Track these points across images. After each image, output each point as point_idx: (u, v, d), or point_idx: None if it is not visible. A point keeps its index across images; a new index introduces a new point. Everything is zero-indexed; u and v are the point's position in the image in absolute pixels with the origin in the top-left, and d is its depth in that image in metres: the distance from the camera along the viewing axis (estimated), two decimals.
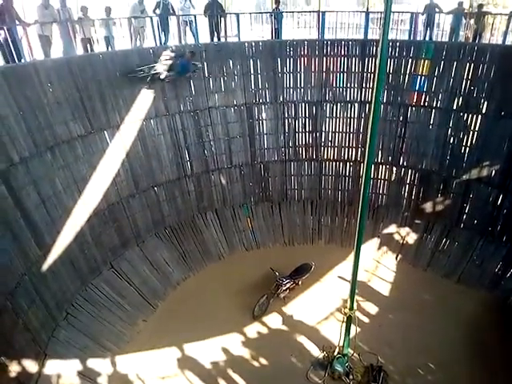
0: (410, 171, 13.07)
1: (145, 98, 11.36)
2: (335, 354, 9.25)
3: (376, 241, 13.18)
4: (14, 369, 7.56)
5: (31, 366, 8.07)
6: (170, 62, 11.08)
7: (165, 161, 12.34)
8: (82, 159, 10.29)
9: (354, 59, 12.75)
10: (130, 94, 11.11)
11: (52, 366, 8.49)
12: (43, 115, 9.23)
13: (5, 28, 9.28)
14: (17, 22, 9.74)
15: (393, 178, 13.35)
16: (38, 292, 8.73)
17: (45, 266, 9.05)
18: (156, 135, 11.97)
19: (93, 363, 9.17)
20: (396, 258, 12.73)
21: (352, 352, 9.27)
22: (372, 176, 12.86)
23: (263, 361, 9.67)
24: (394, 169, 13.25)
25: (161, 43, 12.18)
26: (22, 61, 9.56)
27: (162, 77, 10.98)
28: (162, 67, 10.96)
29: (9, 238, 8.09)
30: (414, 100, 12.51)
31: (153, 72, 10.93)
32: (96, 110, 10.50)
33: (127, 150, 11.34)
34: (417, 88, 12.48)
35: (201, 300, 11.23)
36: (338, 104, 13.31)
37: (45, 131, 9.26)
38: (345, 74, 12.97)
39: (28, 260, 8.58)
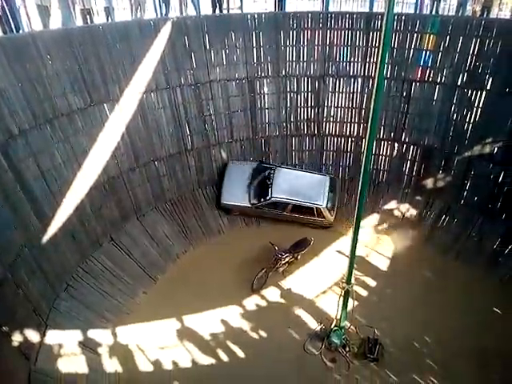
0: (411, 147, 12.97)
1: (145, 71, 11.23)
2: (332, 326, 9.40)
3: (376, 216, 13.18)
4: (16, 338, 7.73)
5: (33, 335, 8.26)
6: None
7: (165, 135, 12.28)
8: (82, 132, 10.24)
9: (358, 33, 12.44)
10: (129, 66, 10.96)
11: (53, 337, 8.70)
12: (42, 87, 9.13)
13: None
14: None
15: (394, 154, 13.26)
16: (38, 264, 8.85)
17: (45, 239, 9.14)
18: (156, 109, 11.86)
19: (94, 334, 9.39)
20: (395, 234, 12.77)
21: (349, 325, 9.42)
22: (373, 152, 12.77)
23: (262, 333, 9.86)
24: (396, 145, 13.14)
25: (162, 15, 11.96)
26: (21, 31, 9.43)
27: None
28: None
29: (8, 210, 8.14)
30: (418, 75, 12.29)
31: None
32: (95, 82, 10.37)
33: (127, 124, 11.26)
34: (421, 63, 12.25)
35: (200, 273, 11.36)
36: (341, 79, 13.09)
37: (44, 104, 9.19)
38: (349, 48, 12.70)
39: (28, 232, 8.67)
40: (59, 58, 9.47)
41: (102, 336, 9.49)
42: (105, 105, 10.68)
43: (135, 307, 10.47)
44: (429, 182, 12.89)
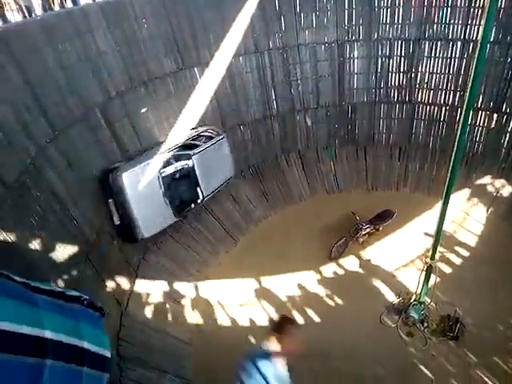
0: None
1: (234, 35, 11.30)
2: (411, 301, 9.21)
3: (467, 191, 12.43)
4: (109, 285, 8.46)
5: (124, 283, 8.96)
6: None
7: (251, 100, 12.40)
8: (173, 95, 10.66)
9: None
10: (220, 30, 11.09)
11: (142, 286, 9.37)
12: (138, 51, 9.58)
13: None
14: None
15: (492, 126, 12.28)
16: None
17: None
18: (244, 73, 11.97)
19: (178, 286, 10.00)
20: (487, 211, 11.97)
21: (429, 301, 9.16)
22: (469, 122, 11.94)
23: (338, 300, 9.90)
24: (495, 115, 12.13)
25: None
26: None
27: None
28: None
29: (106, 167, 8.80)
30: None
31: None
32: (187, 46, 10.67)
33: (215, 88, 11.50)
34: None
35: (280, 238, 11.58)
36: (439, 42, 12.20)
37: (139, 66, 9.66)
38: (448, 9, 11.77)
39: None
40: (154, 21, 9.83)
41: (185, 289, 10.11)
42: (195, 68, 10.99)
43: (217, 265, 11.00)
44: None
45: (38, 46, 7.17)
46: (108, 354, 4.57)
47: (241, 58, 11.76)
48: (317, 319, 9.47)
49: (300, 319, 9.49)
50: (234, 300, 10.04)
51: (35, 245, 6.39)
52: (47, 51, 7.36)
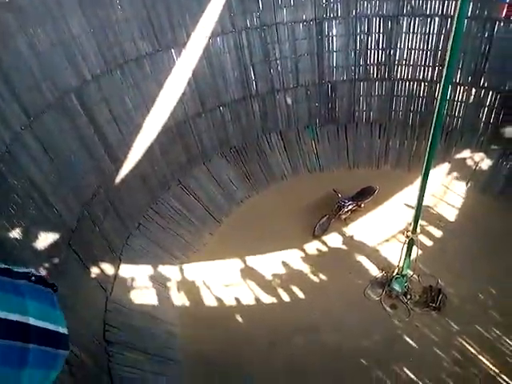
0: (490, 93, 11.98)
1: (211, 14, 11.11)
2: (394, 274, 9.38)
3: (446, 166, 12.59)
4: (93, 271, 8.44)
5: (108, 269, 8.96)
6: None
7: (230, 80, 12.25)
8: (150, 78, 10.46)
9: None
10: (196, 10, 10.89)
11: (126, 270, 9.39)
12: (112, 33, 9.33)
13: None
14: None
15: (471, 100, 12.38)
16: (112, 203, 9.45)
17: (118, 180, 9.69)
18: (222, 53, 11.79)
19: (163, 269, 10.03)
20: (466, 184, 12.17)
21: (411, 273, 9.35)
22: (448, 97, 12.04)
23: (322, 276, 10.04)
24: (473, 90, 12.22)
25: None
26: None
27: None
28: None
29: (85, 153, 8.68)
30: (504, 13, 11.19)
31: None
32: (163, 27, 10.44)
33: (193, 69, 11.33)
34: (507, 0, 11.10)
35: (263, 217, 11.63)
36: (417, 18, 12.18)
37: (114, 49, 9.42)
38: None
39: (102, 173, 9.21)
40: (128, 2, 9.59)
41: (170, 272, 10.15)
42: (172, 50, 10.78)
43: (201, 247, 11.03)
44: (508, 131, 12.00)
45: (8, 29, 6.96)
46: (63, 331, 4.49)
47: (218, 38, 11.56)
48: (302, 296, 9.61)
49: (285, 296, 9.63)
50: (220, 281, 10.11)
51: (14, 234, 6.32)
52: (18, 35, 7.15)
